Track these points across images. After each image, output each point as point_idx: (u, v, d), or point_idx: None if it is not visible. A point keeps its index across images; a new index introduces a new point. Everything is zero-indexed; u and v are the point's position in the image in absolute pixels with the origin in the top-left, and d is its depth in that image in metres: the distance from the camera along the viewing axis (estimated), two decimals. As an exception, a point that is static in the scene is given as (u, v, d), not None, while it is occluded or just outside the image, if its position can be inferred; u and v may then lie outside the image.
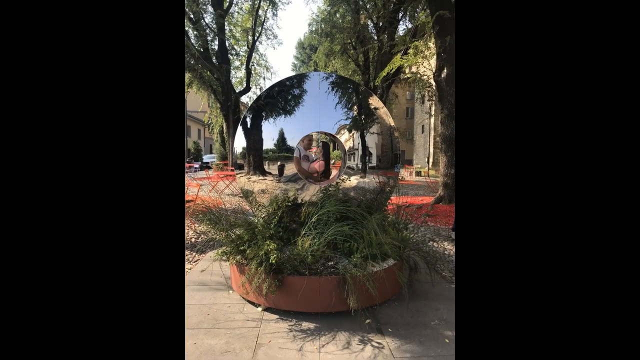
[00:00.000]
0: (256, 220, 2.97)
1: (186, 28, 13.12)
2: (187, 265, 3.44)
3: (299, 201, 3.02)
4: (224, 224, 2.75)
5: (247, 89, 15.69)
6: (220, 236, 2.72)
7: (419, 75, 12.15)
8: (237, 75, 17.31)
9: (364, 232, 2.56)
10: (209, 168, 20.96)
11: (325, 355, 1.86)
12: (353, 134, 3.27)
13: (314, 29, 17.18)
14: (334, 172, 3.34)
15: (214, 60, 14.00)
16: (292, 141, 3.12)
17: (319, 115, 3.14)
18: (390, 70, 10.90)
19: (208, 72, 13.57)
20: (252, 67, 16.16)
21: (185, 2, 12.48)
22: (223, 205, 4.70)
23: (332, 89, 3.17)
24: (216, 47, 14.33)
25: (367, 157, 3.29)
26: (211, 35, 14.29)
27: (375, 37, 14.65)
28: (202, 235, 4.57)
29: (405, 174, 20.67)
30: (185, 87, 14.08)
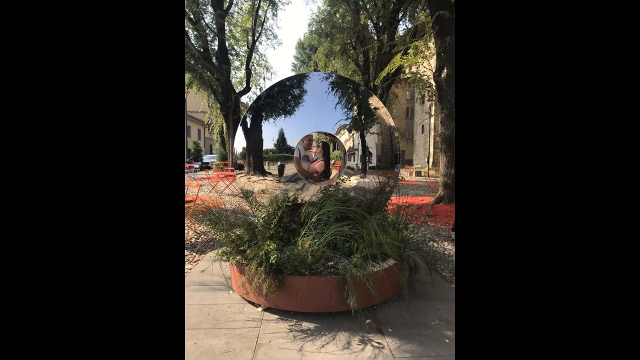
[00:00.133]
0: (256, 221, 2.97)
1: (186, 28, 13.13)
2: (187, 266, 3.44)
3: (299, 201, 3.02)
4: (224, 224, 2.75)
5: (247, 89, 15.70)
6: (220, 236, 2.72)
7: (419, 75, 12.15)
8: (237, 76, 17.34)
9: (364, 232, 2.56)
10: (209, 168, 20.95)
11: (325, 356, 1.86)
12: (353, 134, 3.27)
13: (313, 29, 17.18)
14: (334, 172, 3.34)
15: (214, 61, 14.00)
16: (292, 141, 3.12)
17: (318, 115, 3.15)
18: (390, 70, 10.90)
19: (208, 73, 13.58)
20: (252, 67, 16.17)
21: (185, 2, 12.48)
22: (223, 206, 4.70)
23: (332, 89, 3.17)
24: (216, 48, 14.34)
25: (367, 157, 3.29)
26: (211, 36, 14.30)
27: (375, 37, 14.65)
28: (202, 236, 4.56)
29: (405, 174, 20.66)
30: (185, 88, 14.08)
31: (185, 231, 4.81)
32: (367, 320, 2.22)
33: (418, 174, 20.91)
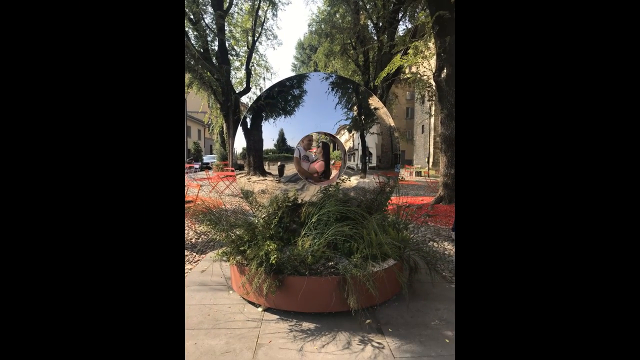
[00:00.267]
0: (256, 221, 2.97)
1: (186, 29, 13.14)
2: (188, 266, 3.44)
3: (299, 201, 3.02)
4: (224, 224, 2.75)
5: (247, 90, 15.71)
6: (221, 237, 2.72)
7: (418, 76, 12.15)
8: (237, 76, 17.36)
9: (364, 232, 2.56)
10: (209, 168, 20.96)
11: (325, 356, 1.86)
12: (353, 134, 3.27)
13: (313, 29, 17.19)
14: (334, 173, 3.34)
15: (214, 61, 14.01)
16: (292, 141, 3.12)
17: (318, 115, 3.15)
18: (390, 71, 10.91)
19: (208, 73, 13.58)
20: (252, 67, 16.18)
21: (186, 2, 12.49)
22: (223, 206, 4.70)
23: (332, 89, 3.17)
24: (216, 48, 14.34)
25: (367, 158, 3.29)
26: (211, 36, 14.30)
27: (375, 38, 14.66)
28: (203, 236, 4.57)
29: (405, 174, 20.66)
30: (186, 88, 14.09)
31: (186, 231, 4.81)
32: (367, 321, 2.22)
33: (418, 174, 20.91)
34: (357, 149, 3.29)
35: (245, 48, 16.09)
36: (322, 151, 3.33)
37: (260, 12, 15.14)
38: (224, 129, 15.19)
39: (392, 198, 3.32)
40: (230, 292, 2.72)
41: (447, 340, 2.02)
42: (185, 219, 4.71)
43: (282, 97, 3.17)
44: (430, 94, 12.82)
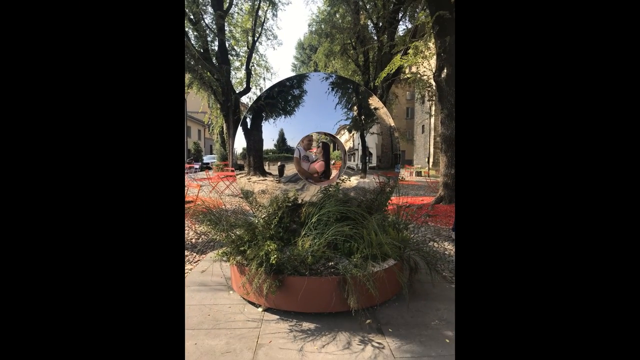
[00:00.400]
0: (256, 221, 2.97)
1: (186, 29, 13.14)
2: (188, 266, 3.44)
3: (299, 201, 3.02)
4: (224, 224, 2.75)
5: (247, 90, 15.71)
6: (221, 237, 2.72)
7: (419, 76, 12.15)
8: (237, 76, 17.37)
9: (364, 232, 2.56)
10: (209, 169, 20.96)
11: (325, 356, 1.86)
12: (353, 134, 3.27)
13: (313, 29, 17.20)
14: (334, 173, 3.34)
15: (214, 61, 14.01)
16: (292, 142, 3.12)
17: (318, 115, 3.15)
18: (390, 71, 10.91)
19: (208, 73, 13.59)
20: (252, 67, 16.18)
21: (186, 3, 12.49)
22: (223, 206, 4.70)
23: (332, 90, 3.17)
24: (216, 48, 14.35)
25: (367, 158, 3.29)
26: (211, 36, 14.31)
27: (375, 38, 14.66)
28: (203, 236, 4.57)
29: (406, 174, 20.66)
30: (186, 88, 14.10)
31: (186, 232, 4.81)
32: (368, 321, 2.22)
33: (418, 174, 20.90)
34: (357, 149, 3.29)
35: (245, 48, 16.10)
36: (322, 151, 3.33)
37: (260, 12, 15.15)
38: (224, 129, 15.20)
39: (392, 198, 3.32)
40: (231, 292, 2.72)
41: (448, 341, 2.02)
42: (186, 219, 4.71)
43: (282, 97, 3.17)
44: (430, 94, 12.82)
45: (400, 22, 14.13)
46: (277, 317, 2.31)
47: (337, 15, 15.77)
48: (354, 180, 3.27)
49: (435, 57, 7.98)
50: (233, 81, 15.82)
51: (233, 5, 15.02)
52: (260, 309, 2.40)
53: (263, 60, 18.15)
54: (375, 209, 3.07)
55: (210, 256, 3.61)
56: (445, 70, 7.24)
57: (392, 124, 3.40)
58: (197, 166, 22.64)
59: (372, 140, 3.30)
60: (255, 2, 14.90)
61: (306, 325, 2.20)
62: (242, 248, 2.55)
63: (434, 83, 9.15)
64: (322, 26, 16.08)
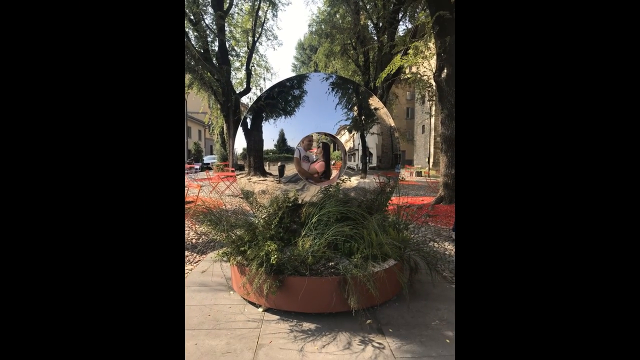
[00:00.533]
0: (257, 221, 2.98)
1: (186, 29, 13.15)
2: (188, 266, 3.45)
3: (300, 202, 3.02)
4: (224, 224, 2.75)
5: (247, 90, 15.72)
6: (221, 237, 2.72)
7: (419, 76, 12.15)
8: (238, 76, 17.38)
9: (365, 232, 2.56)
10: (210, 169, 20.97)
11: (326, 356, 1.86)
12: (353, 134, 3.27)
13: (314, 29, 17.21)
14: (334, 173, 3.34)
15: (214, 62, 14.02)
16: (293, 142, 3.12)
17: (319, 115, 3.15)
18: (391, 71, 10.92)
19: (208, 73, 13.59)
20: (252, 68, 16.19)
21: (186, 3, 12.50)
22: (224, 206, 4.70)
23: (332, 90, 3.17)
24: (216, 48, 14.36)
25: (367, 158, 3.29)
26: (211, 37, 14.31)
27: (375, 38, 14.67)
28: (203, 236, 4.57)
29: (406, 174, 20.65)
30: (186, 88, 14.11)
31: (186, 232, 4.82)
32: (368, 321, 2.21)
33: (418, 174, 20.90)
34: (358, 149, 3.29)
35: (246, 48, 16.11)
36: (322, 151, 3.33)
37: (260, 13, 15.16)
38: (224, 129, 15.20)
39: (392, 198, 3.32)
40: (231, 292, 2.72)
41: (448, 341, 2.02)
42: (186, 220, 4.71)
43: (283, 98, 3.17)
44: (430, 94, 12.82)
45: (401, 23, 14.15)
46: (278, 317, 2.31)
47: (337, 16, 15.79)
48: (354, 181, 3.27)
49: (435, 57, 7.98)
50: (233, 81, 15.83)
51: (233, 6, 15.03)
52: (260, 309, 2.40)
53: (263, 60, 18.19)
54: (376, 209, 3.07)
55: (210, 256, 3.61)
56: (445, 71, 7.24)
57: (393, 124, 3.40)
58: (197, 166, 22.65)
59: (372, 141, 3.30)
60: (256, 3, 14.91)
61: (306, 325, 2.20)
62: (242, 248, 2.55)
63: (434, 83, 9.15)
64: (322, 26, 16.10)
